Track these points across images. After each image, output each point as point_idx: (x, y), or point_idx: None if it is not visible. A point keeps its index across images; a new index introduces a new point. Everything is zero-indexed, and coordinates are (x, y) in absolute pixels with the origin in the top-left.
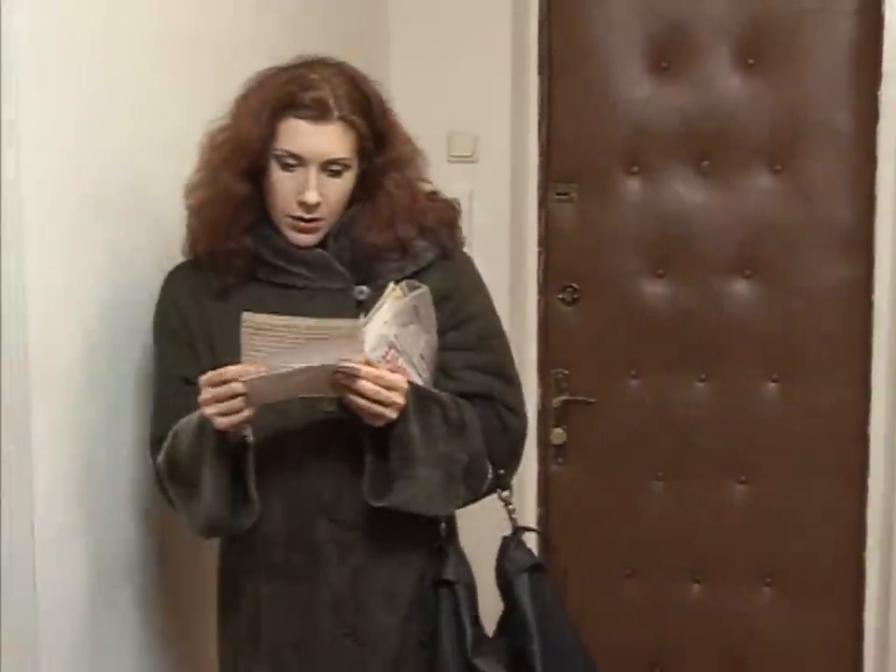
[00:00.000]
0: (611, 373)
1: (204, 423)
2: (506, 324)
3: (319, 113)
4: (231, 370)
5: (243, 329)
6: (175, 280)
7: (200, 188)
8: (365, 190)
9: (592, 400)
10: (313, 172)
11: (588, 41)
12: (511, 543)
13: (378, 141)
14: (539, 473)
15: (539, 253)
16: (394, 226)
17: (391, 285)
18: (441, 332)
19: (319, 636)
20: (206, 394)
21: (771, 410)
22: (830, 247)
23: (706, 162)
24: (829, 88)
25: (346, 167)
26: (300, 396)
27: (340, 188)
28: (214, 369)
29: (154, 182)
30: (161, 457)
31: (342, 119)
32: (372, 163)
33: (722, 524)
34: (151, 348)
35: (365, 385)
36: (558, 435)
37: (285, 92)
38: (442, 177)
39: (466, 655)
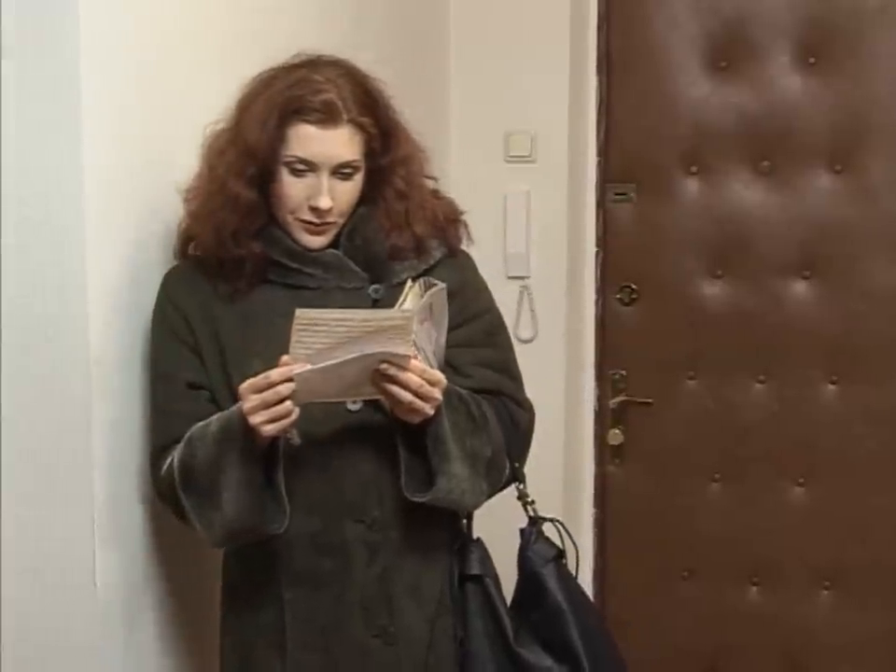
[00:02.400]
0: (669, 374)
1: (230, 428)
2: (563, 324)
3: (328, 117)
4: (275, 373)
5: (295, 326)
6: (174, 283)
7: (205, 193)
8: (372, 189)
9: (649, 401)
10: (324, 177)
11: (646, 40)
12: (532, 535)
13: (384, 140)
14: (596, 474)
15: (597, 253)
16: (411, 225)
17: (409, 282)
18: (450, 328)
19: (349, 639)
20: (253, 401)
21: (830, 412)
22: (890, 248)
23: (765, 162)
24: (890, 87)
25: (356, 169)
26: (341, 398)
27: (350, 190)
28: (226, 374)
29: None
30: (172, 466)
31: (350, 121)
32: (378, 162)
33: (780, 526)
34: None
35: (411, 377)
36: (615, 436)
37: (292, 97)
38: (500, 177)
39: (509, 647)
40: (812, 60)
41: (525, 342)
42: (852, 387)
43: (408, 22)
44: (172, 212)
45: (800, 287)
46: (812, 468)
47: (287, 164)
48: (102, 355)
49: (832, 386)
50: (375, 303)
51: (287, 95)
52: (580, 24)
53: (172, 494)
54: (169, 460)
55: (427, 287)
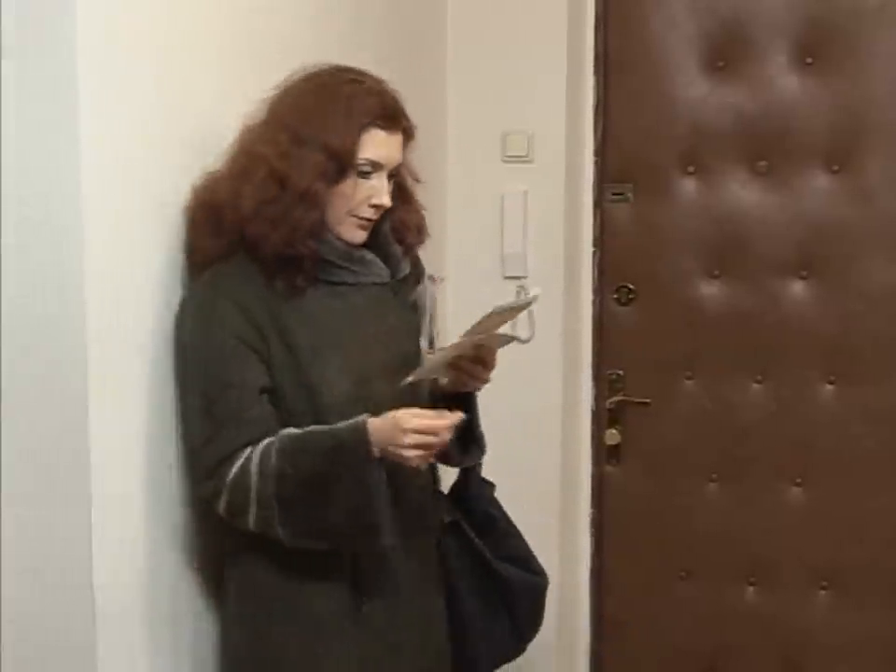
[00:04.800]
0: (667, 374)
1: (347, 446)
2: (560, 324)
3: (395, 123)
4: (441, 425)
5: (490, 313)
6: (233, 285)
7: (272, 193)
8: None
9: (647, 401)
10: (385, 177)
11: (644, 40)
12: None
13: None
14: (593, 474)
15: (594, 253)
16: (424, 229)
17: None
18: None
19: (410, 600)
20: (415, 440)
21: (827, 412)
22: (888, 248)
23: (762, 163)
24: (887, 87)
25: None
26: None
27: (390, 189)
28: (299, 373)
29: None
30: (251, 471)
31: (405, 128)
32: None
33: (778, 526)
34: (190, 364)
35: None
36: (612, 436)
37: (371, 104)
38: (497, 177)
39: (491, 568)
40: (809, 60)
41: (523, 342)
42: (850, 387)
43: (405, 22)
44: (170, 212)
45: (797, 287)
46: (809, 468)
47: (358, 166)
48: (100, 355)
49: (829, 386)
50: (395, 296)
51: (368, 103)
52: (577, 24)
53: (240, 499)
54: (239, 465)
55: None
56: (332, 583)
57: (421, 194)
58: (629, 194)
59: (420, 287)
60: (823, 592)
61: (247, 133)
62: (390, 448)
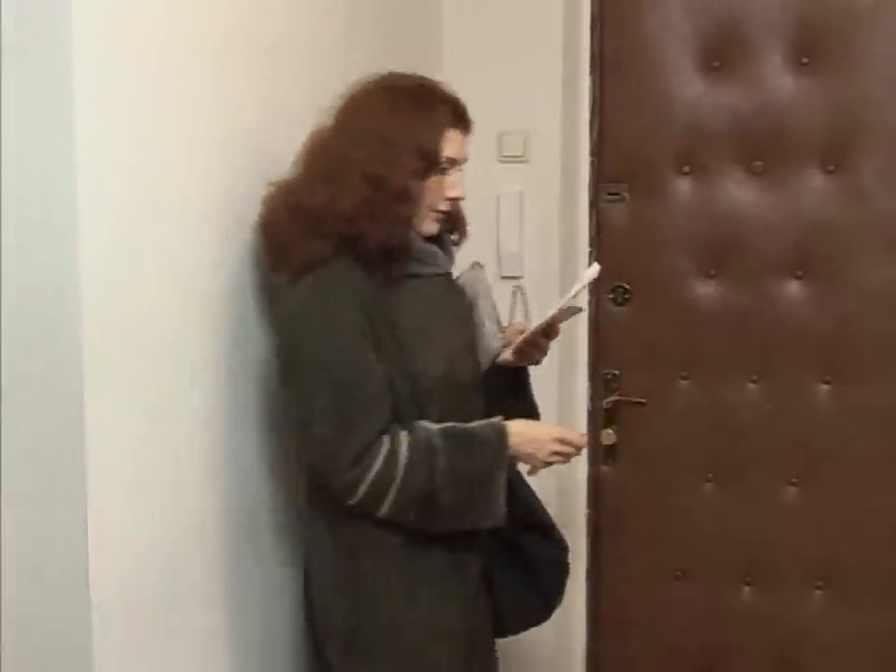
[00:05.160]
0: (662, 374)
1: (504, 442)
2: None
3: (465, 124)
4: (583, 441)
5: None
6: (349, 287)
7: (374, 195)
8: None
9: (643, 401)
10: (458, 173)
11: (640, 40)
12: None
13: None
14: (589, 474)
15: (590, 253)
16: (466, 222)
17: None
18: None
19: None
20: (559, 448)
21: (823, 411)
22: (883, 248)
23: (758, 162)
24: (883, 87)
25: None
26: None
27: None
28: (405, 362)
29: (206, 182)
30: (405, 460)
31: (469, 127)
32: None
33: (774, 526)
34: (314, 364)
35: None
36: (608, 436)
37: (448, 108)
38: (493, 177)
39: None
40: (805, 60)
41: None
42: (845, 387)
43: (400, 22)
44: (165, 212)
45: (793, 287)
46: (805, 467)
47: (441, 164)
48: (96, 356)
49: (825, 386)
50: (451, 284)
51: (445, 107)
52: (573, 24)
53: (380, 489)
54: (384, 456)
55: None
56: (443, 545)
57: None
58: (625, 194)
59: (470, 274)
60: (819, 591)
61: (323, 140)
62: (525, 450)
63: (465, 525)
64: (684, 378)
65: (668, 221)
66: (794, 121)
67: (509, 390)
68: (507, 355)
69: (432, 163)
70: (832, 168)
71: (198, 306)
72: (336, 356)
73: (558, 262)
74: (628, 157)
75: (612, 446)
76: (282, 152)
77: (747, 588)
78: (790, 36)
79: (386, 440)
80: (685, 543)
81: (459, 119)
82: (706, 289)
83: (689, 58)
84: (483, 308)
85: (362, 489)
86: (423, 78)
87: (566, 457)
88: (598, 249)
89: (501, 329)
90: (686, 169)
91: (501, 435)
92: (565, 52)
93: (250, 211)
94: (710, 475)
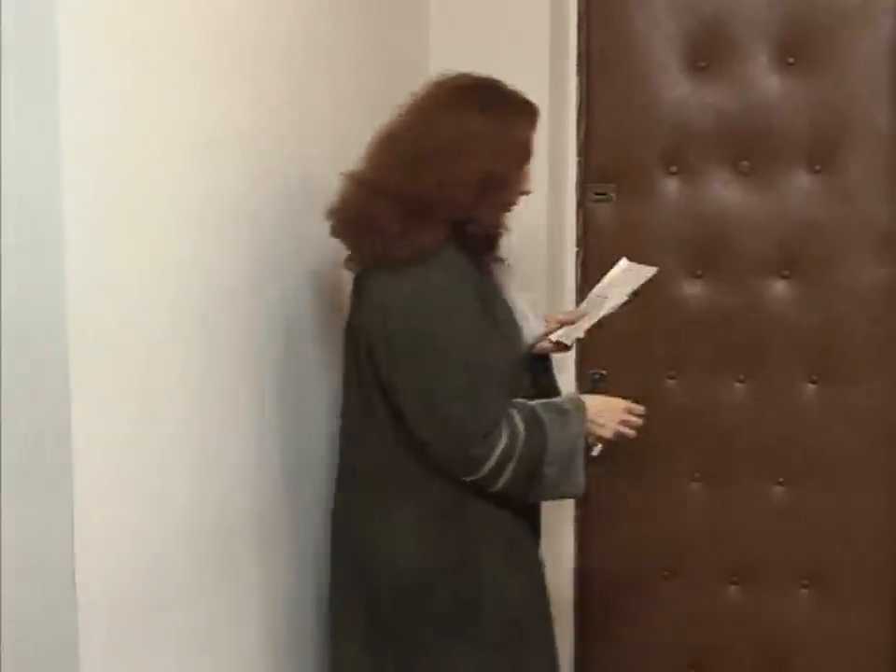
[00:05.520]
0: (649, 374)
1: (584, 416)
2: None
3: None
4: (642, 410)
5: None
6: (464, 273)
7: (485, 184)
8: None
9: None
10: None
11: (627, 40)
12: None
13: None
14: None
15: (578, 253)
16: None
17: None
18: None
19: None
20: (625, 417)
21: (809, 411)
22: (869, 248)
23: (745, 162)
24: (869, 87)
25: None
26: None
27: None
28: (503, 344)
29: (192, 181)
30: (526, 439)
31: None
32: None
33: (760, 525)
34: (444, 348)
35: None
36: None
37: (530, 105)
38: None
39: None
40: (791, 60)
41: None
42: (832, 387)
43: (387, 20)
44: (151, 212)
45: (779, 287)
46: (791, 467)
47: (531, 156)
48: (82, 356)
49: (811, 386)
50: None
51: (529, 105)
52: (559, 24)
53: (503, 462)
54: (508, 432)
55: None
56: (525, 510)
57: None
58: (612, 194)
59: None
60: (805, 590)
61: (412, 133)
62: (598, 420)
63: (557, 496)
64: (671, 378)
65: (655, 221)
66: (781, 121)
67: (539, 373)
68: (545, 342)
69: (527, 154)
70: (818, 168)
71: (185, 306)
72: (464, 339)
73: (545, 262)
74: (615, 157)
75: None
76: (268, 150)
77: (733, 587)
78: (776, 36)
79: (507, 416)
80: (672, 543)
81: (536, 116)
82: (693, 289)
83: (676, 58)
84: (523, 298)
85: (488, 465)
86: (491, 78)
87: (632, 427)
88: (585, 249)
89: (545, 318)
90: (673, 169)
91: (581, 407)
92: (552, 52)
93: (236, 210)
94: (697, 475)
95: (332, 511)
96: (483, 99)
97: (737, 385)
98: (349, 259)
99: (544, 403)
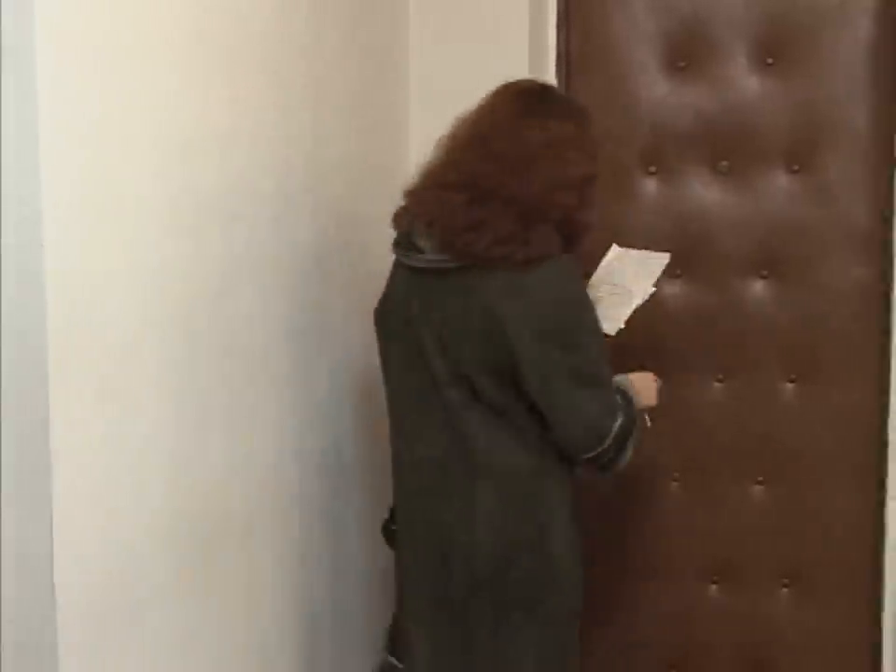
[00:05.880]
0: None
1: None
2: None
3: None
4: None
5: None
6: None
7: (589, 188)
8: None
9: None
10: None
11: (606, 40)
12: None
13: None
14: None
15: None
16: None
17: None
18: None
19: None
20: (658, 384)
21: (788, 410)
22: (848, 247)
23: (724, 162)
24: (848, 87)
25: None
26: None
27: None
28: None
29: (171, 181)
30: (629, 411)
31: None
32: None
33: (740, 525)
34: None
35: None
36: None
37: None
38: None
39: None
40: (770, 60)
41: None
42: (810, 386)
43: (366, 21)
44: (130, 212)
45: (758, 287)
46: (771, 466)
47: None
48: (61, 356)
49: (790, 385)
50: None
51: (588, 110)
52: (539, 24)
53: (629, 433)
54: (622, 408)
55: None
56: (568, 481)
57: (383, 195)
58: None
59: None
60: (785, 589)
61: (506, 138)
62: (643, 392)
63: (622, 468)
64: None
65: (634, 221)
66: (760, 121)
67: None
68: None
69: (598, 153)
70: (797, 168)
71: (163, 306)
72: (595, 327)
73: None
74: None
75: None
76: (247, 150)
77: (714, 586)
78: (755, 36)
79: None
80: (652, 543)
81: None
82: (672, 289)
83: (655, 58)
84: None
85: (610, 438)
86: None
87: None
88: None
89: None
90: (652, 169)
91: (630, 384)
92: (531, 52)
93: (215, 210)
94: (677, 474)
95: (403, 496)
96: (557, 106)
97: (716, 384)
98: (413, 254)
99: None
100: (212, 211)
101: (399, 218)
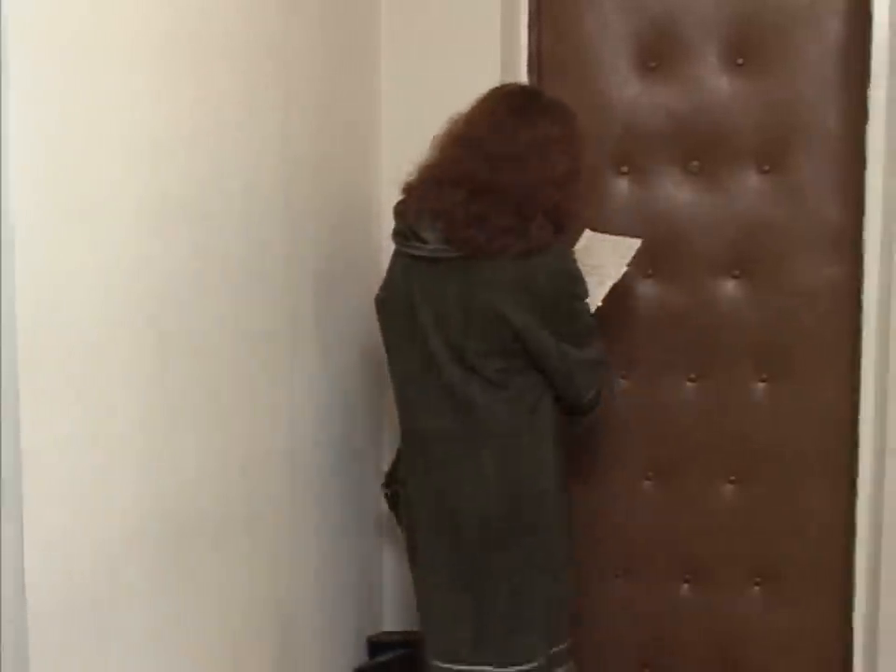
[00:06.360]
0: None
1: None
2: None
3: None
4: None
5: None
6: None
7: (580, 179)
8: None
9: None
10: None
11: (577, 40)
12: None
13: None
14: None
15: None
16: None
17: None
18: None
19: None
20: None
21: (760, 410)
22: (818, 247)
23: (694, 162)
24: (818, 88)
25: None
26: None
27: None
28: None
29: (140, 181)
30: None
31: None
32: None
33: (712, 524)
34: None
35: None
36: None
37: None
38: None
39: None
40: (740, 60)
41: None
42: (782, 385)
43: (338, 21)
44: (99, 211)
45: (730, 286)
46: (743, 465)
47: None
48: (30, 356)
49: (762, 384)
50: None
51: (574, 111)
52: (510, 24)
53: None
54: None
55: None
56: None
57: (354, 196)
58: None
59: None
60: (757, 588)
61: (499, 138)
62: None
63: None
64: (623, 377)
65: (606, 221)
66: (730, 121)
67: None
68: None
69: (584, 150)
70: (767, 168)
71: (133, 306)
72: (587, 291)
73: None
74: None
75: None
76: (217, 151)
77: (686, 585)
78: (725, 37)
79: None
80: (625, 542)
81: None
82: (643, 289)
83: (626, 58)
84: None
85: (591, 393)
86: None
87: None
88: None
89: None
90: (624, 169)
91: None
92: (503, 52)
93: (185, 210)
94: (650, 473)
95: (412, 463)
96: (545, 108)
97: (689, 384)
98: (415, 244)
99: None
100: (181, 211)
101: (403, 211)
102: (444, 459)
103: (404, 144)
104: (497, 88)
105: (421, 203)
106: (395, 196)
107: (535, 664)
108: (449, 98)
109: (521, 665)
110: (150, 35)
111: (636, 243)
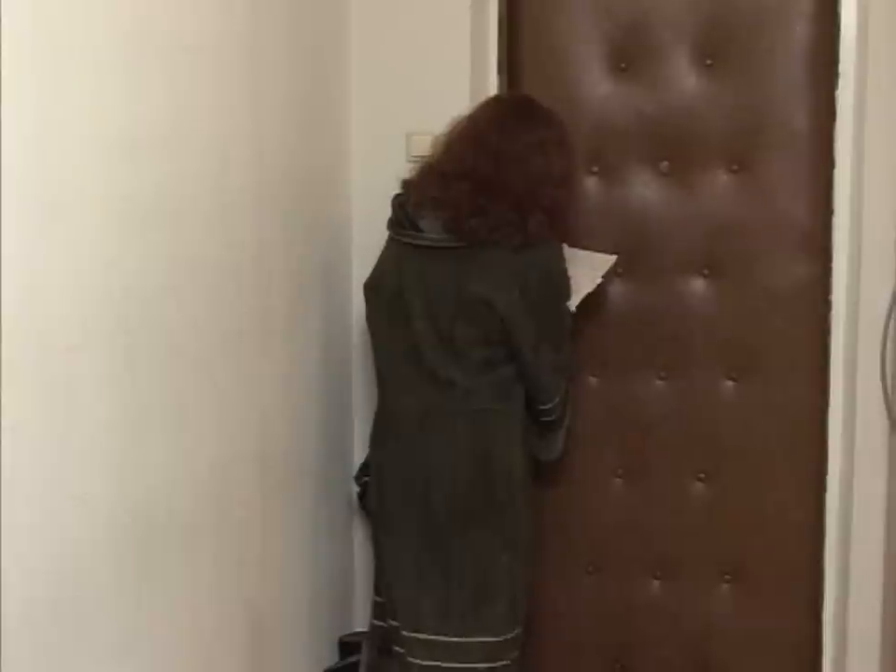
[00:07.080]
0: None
1: None
2: None
3: None
4: None
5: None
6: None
7: (574, 178)
8: None
9: None
10: None
11: (548, 41)
12: None
13: None
14: None
15: None
16: None
17: None
18: None
19: None
20: None
21: (729, 408)
22: (787, 247)
23: (665, 162)
24: (786, 88)
25: None
26: None
27: None
28: None
29: (113, 181)
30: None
31: None
32: None
33: (682, 521)
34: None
35: None
36: None
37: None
38: (402, 177)
39: None
40: (709, 62)
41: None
42: (751, 384)
43: (308, 23)
44: (72, 212)
45: (699, 285)
46: (712, 463)
47: None
48: (10, 355)
49: (731, 383)
50: None
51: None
52: (481, 25)
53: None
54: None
55: None
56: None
57: (324, 195)
58: None
59: None
60: (727, 585)
61: (499, 139)
62: None
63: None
64: (593, 375)
65: (577, 220)
66: (700, 122)
67: None
68: None
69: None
70: (736, 168)
71: (106, 307)
72: (569, 293)
73: None
74: None
75: None
76: (188, 152)
77: (656, 582)
78: (694, 38)
79: None
80: (595, 539)
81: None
82: (613, 288)
83: (596, 59)
84: None
85: (556, 399)
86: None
87: None
88: None
89: None
90: (594, 169)
91: None
92: (473, 53)
93: (158, 211)
94: (620, 471)
95: (391, 440)
96: (542, 114)
97: (658, 382)
98: (411, 233)
99: None
100: (153, 211)
101: (402, 202)
102: (419, 429)
103: (376, 146)
104: (497, 96)
105: (422, 193)
106: (366, 196)
107: (500, 637)
108: (420, 100)
109: (485, 637)
110: (118, 35)
111: (611, 259)
